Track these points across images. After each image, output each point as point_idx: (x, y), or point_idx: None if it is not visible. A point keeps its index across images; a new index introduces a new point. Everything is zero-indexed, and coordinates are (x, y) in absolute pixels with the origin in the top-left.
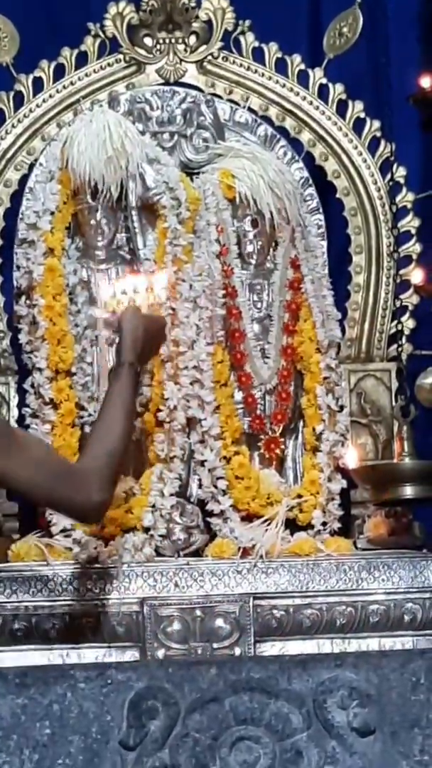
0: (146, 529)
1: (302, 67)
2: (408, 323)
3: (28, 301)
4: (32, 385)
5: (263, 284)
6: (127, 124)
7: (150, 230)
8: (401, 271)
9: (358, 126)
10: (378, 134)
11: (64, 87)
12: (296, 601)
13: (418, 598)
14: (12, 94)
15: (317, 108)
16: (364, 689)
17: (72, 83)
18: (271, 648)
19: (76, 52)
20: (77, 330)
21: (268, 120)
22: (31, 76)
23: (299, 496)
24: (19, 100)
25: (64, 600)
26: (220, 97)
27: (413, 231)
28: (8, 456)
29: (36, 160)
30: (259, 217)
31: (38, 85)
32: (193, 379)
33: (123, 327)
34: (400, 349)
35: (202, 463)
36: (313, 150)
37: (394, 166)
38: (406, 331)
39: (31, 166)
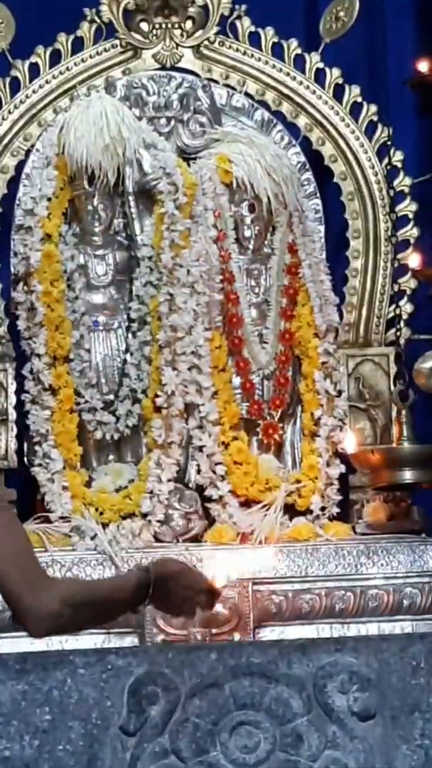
0: (144, 515)
1: (299, 51)
2: (406, 308)
3: (25, 287)
4: (31, 371)
5: (261, 269)
6: (123, 110)
7: (147, 215)
8: (399, 256)
9: (355, 110)
10: (375, 118)
11: (61, 73)
12: (295, 587)
13: (417, 583)
14: (8, 80)
15: (314, 92)
16: (364, 673)
17: (68, 69)
18: (270, 633)
19: (72, 37)
20: (75, 316)
21: (264, 105)
22: (27, 62)
23: (298, 481)
24: (15, 86)
25: None
26: (216, 82)
27: (410, 215)
28: None
29: (32, 146)
30: (256, 201)
31: (34, 71)
32: (191, 365)
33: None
34: (398, 333)
35: (200, 449)
36: (310, 134)
37: (392, 150)
38: (404, 316)
39: (28, 152)
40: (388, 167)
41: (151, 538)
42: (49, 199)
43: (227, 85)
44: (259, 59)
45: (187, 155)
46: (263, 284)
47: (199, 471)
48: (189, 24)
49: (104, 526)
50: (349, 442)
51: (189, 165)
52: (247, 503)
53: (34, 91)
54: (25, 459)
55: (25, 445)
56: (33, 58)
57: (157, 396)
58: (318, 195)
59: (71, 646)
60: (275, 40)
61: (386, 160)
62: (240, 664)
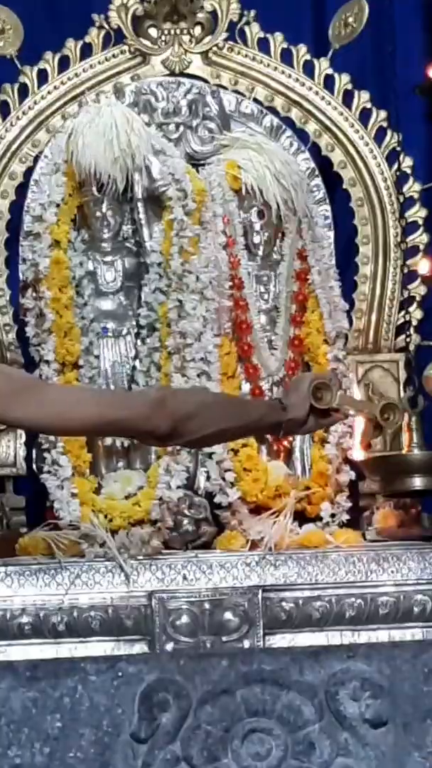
0: (154, 522)
1: (308, 57)
2: (415, 314)
3: (34, 294)
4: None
5: (270, 275)
6: (133, 117)
7: (156, 222)
8: (408, 262)
9: (365, 116)
10: (384, 124)
11: (69, 79)
12: (305, 594)
13: (427, 590)
14: (16, 86)
15: (323, 98)
16: (376, 680)
17: (77, 75)
18: (280, 640)
19: (80, 43)
20: (84, 322)
21: (273, 111)
22: (35, 68)
23: (307, 488)
24: (23, 92)
25: (72, 594)
26: (225, 88)
27: (420, 221)
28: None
29: (41, 152)
30: (265, 208)
31: (43, 77)
32: (200, 371)
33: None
34: (407, 339)
35: (209, 456)
36: (319, 140)
37: (401, 156)
38: (414, 322)
39: (36, 159)
40: (398, 173)
41: (160, 545)
42: (58, 206)
43: (236, 91)
44: (268, 65)
45: (196, 161)
46: (272, 290)
47: (208, 478)
48: (198, 30)
49: (113, 533)
50: (359, 449)
51: (198, 171)
52: (256, 510)
53: (42, 97)
54: (34, 466)
55: (34, 452)
56: (41, 64)
57: None
58: (327, 201)
59: (81, 654)
60: (284, 46)
61: (396, 166)
62: (252, 671)
